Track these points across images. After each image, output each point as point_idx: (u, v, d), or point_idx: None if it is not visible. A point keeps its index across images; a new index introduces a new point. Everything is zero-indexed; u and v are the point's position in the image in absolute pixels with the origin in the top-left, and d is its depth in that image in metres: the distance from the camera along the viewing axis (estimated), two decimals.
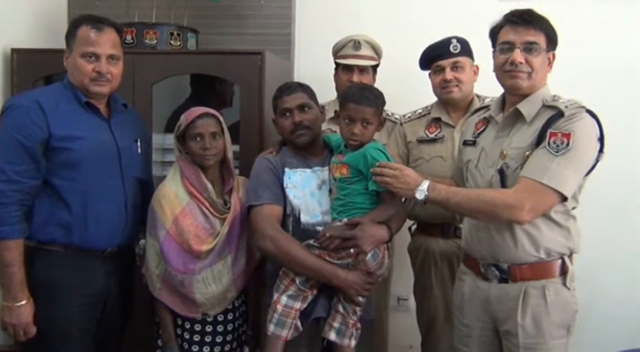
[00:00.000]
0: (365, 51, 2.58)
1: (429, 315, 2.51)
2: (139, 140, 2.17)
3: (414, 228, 2.62)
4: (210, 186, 2.07)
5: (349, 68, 2.56)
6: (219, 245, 2.04)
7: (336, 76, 2.64)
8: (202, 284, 2.03)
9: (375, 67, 2.63)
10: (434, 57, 2.44)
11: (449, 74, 2.40)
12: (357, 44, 2.58)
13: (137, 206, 2.14)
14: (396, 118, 2.68)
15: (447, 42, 2.41)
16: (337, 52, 2.63)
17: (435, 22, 2.98)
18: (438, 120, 2.50)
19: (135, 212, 2.12)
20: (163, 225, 2.03)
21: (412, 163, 2.50)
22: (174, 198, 2.05)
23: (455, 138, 2.40)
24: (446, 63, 2.40)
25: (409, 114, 2.62)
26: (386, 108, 2.56)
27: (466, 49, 2.43)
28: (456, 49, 2.39)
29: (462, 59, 2.41)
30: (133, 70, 2.48)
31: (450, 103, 2.45)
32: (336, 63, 2.64)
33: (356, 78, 2.54)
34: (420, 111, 2.60)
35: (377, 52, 2.62)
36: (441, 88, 2.43)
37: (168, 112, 2.79)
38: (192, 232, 2.02)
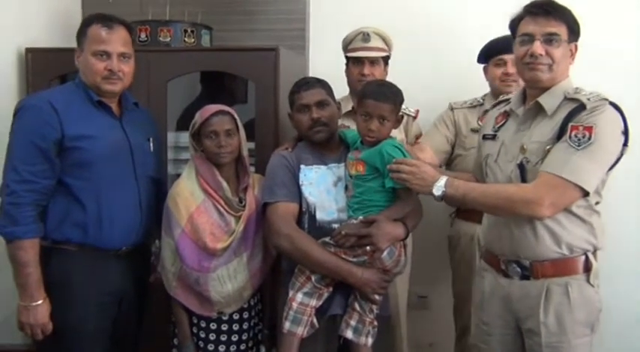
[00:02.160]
0: (374, 42, 2.55)
1: (469, 311, 2.43)
2: (151, 138, 2.18)
3: (453, 214, 2.60)
4: (225, 183, 2.07)
5: (359, 61, 2.54)
6: (234, 243, 2.05)
7: (347, 70, 2.62)
8: (218, 282, 2.03)
9: (386, 59, 2.60)
10: (498, 50, 2.50)
11: (511, 68, 2.43)
12: (365, 36, 2.55)
13: (151, 205, 2.15)
14: (411, 112, 2.66)
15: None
16: (347, 46, 2.61)
17: (455, 15, 2.96)
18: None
19: (149, 211, 2.13)
20: (178, 223, 2.03)
21: (463, 151, 2.57)
22: (190, 195, 2.06)
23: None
24: (509, 58, 2.45)
25: (460, 103, 2.69)
26: None
27: None
28: None
29: None
30: (147, 67, 2.49)
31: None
32: (346, 57, 2.62)
33: (367, 70, 2.52)
34: (471, 101, 2.67)
35: (387, 43, 2.60)
36: (501, 81, 2.51)
37: (180, 110, 2.80)
38: (207, 230, 2.03)
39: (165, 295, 2.11)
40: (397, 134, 2.52)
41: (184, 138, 2.23)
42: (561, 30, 1.82)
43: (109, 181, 2.02)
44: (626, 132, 1.80)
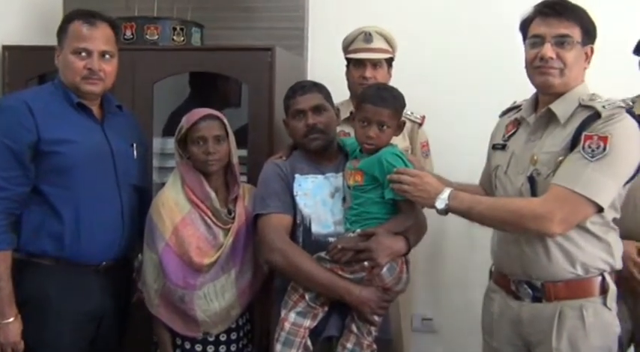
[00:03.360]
0: (377, 43, 2.59)
1: None
2: (134, 144, 2.20)
3: None
4: (213, 193, 2.09)
5: (361, 63, 2.57)
6: (222, 257, 2.06)
7: (347, 72, 2.65)
8: (204, 300, 2.05)
9: (389, 61, 2.63)
10: None
11: None
12: (367, 36, 2.58)
13: (134, 216, 2.17)
14: (417, 118, 2.68)
15: None
16: (347, 46, 2.64)
17: (461, 15, 2.99)
18: None
19: (132, 222, 2.15)
20: (162, 236, 2.05)
21: None
22: (174, 206, 2.08)
23: None
24: None
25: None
26: (407, 107, 2.60)
27: None
28: None
29: None
30: (132, 68, 2.53)
31: None
32: (346, 59, 2.65)
33: (369, 73, 2.54)
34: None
35: (390, 44, 2.63)
36: None
37: (167, 114, 2.83)
38: (193, 243, 2.05)
39: (147, 314, 2.12)
40: (402, 142, 2.55)
41: (171, 144, 2.26)
42: (574, 31, 1.84)
43: (88, 190, 2.03)
44: None
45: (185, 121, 2.11)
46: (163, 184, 2.21)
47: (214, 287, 2.06)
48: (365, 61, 2.57)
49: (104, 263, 2.09)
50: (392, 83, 2.51)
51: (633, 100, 2.24)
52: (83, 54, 2.04)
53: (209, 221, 2.08)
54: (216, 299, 2.06)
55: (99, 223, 2.06)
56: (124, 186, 2.13)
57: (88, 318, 2.08)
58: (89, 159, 2.04)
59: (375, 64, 2.57)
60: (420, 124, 2.71)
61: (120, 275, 2.18)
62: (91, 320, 2.09)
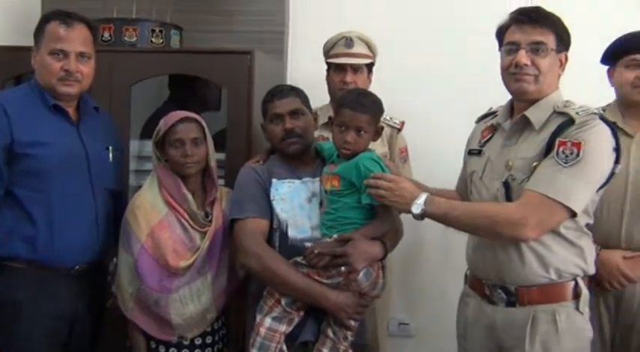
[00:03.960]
0: (358, 48, 2.63)
1: None
2: (111, 147, 2.22)
3: None
4: (190, 196, 2.12)
5: (342, 68, 2.62)
6: (198, 261, 2.08)
7: (328, 77, 2.70)
8: (179, 303, 2.07)
9: (370, 66, 2.68)
10: (631, 49, 2.31)
11: None
12: (348, 41, 2.63)
13: (109, 219, 2.19)
14: (396, 123, 2.73)
15: None
16: (328, 51, 2.69)
17: (440, 20, 3.04)
18: None
19: (107, 226, 2.17)
20: (138, 239, 2.07)
21: None
22: (151, 209, 2.10)
23: (631, 150, 2.24)
24: None
25: None
26: (385, 112, 2.63)
27: None
28: None
29: None
30: (110, 69, 2.55)
31: (635, 107, 2.32)
32: (327, 63, 2.69)
33: (349, 78, 2.59)
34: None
35: (371, 50, 2.68)
36: (633, 87, 2.29)
37: (145, 116, 2.84)
38: (169, 246, 2.07)
39: (122, 318, 2.14)
40: (380, 147, 2.60)
41: (149, 146, 2.28)
42: (548, 39, 1.90)
43: (62, 193, 2.05)
44: (617, 149, 1.88)
45: (163, 123, 2.13)
46: (140, 187, 2.23)
47: (190, 291, 2.08)
48: (346, 66, 2.61)
49: (77, 266, 2.11)
50: (372, 88, 2.57)
51: (604, 109, 2.32)
52: (60, 55, 2.06)
53: (186, 224, 2.10)
54: (191, 302, 2.08)
55: (72, 227, 2.07)
56: (99, 189, 2.15)
57: (60, 323, 2.09)
58: (64, 162, 2.05)
59: (355, 69, 2.62)
60: (399, 130, 2.75)
61: (94, 279, 2.19)
62: (64, 325, 2.11)
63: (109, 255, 2.24)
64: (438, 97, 3.00)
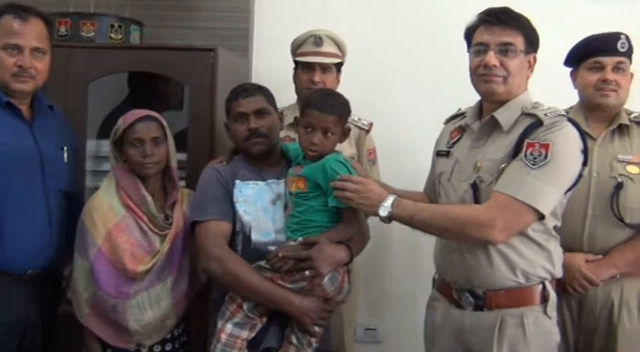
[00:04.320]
0: (327, 47, 2.64)
1: None
2: (65, 147, 2.20)
3: None
4: (149, 198, 2.11)
5: (310, 67, 2.63)
6: (158, 265, 2.08)
7: (295, 76, 2.70)
8: (137, 309, 2.06)
9: (338, 66, 2.69)
10: (594, 51, 2.35)
11: (610, 74, 2.31)
12: (318, 40, 2.64)
13: (63, 222, 2.16)
14: (364, 124, 2.75)
15: (614, 36, 2.34)
16: (296, 49, 2.69)
17: (410, 20, 3.07)
18: None
19: (61, 229, 2.15)
20: (94, 242, 2.05)
21: None
22: (108, 210, 2.09)
23: (594, 153, 2.27)
24: (609, 61, 2.32)
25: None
26: (353, 113, 2.64)
27: (631, 50, 2.37)
28: (623, 47, 2.33)
29: (626, 61, 2.36)
30: (66, 66, 2.52)
31: (598, 110, 2.36)
32: (295, 61, 2.70)
33: (318, 78, 2.60)
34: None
35: (340, 49, 2.69)
36: (596, 90, 2.33)
37: (102, 115, 2.80)
38: (127, 250, 2.06)
39: (77, 325, 2.11)
40: (348, 149, 2.62)
41: (106, 146, 2.26)
42: (517, 40, 1.94)
43: (13, 194, 2.02)
44: (585, 151, 1.92)
45: (122, 122, 2.12)
46: (97, 188, 2.21)
47: (149, 296, 2.07)
48: (314, 65, 2.62)
49: (29, 271, 2.08)
50: (340, 88, 2.58)
51: (567, 111, 2.34)
52: (14, 50, 2.04)
53: (145, 226, 2.09)
54: (150, 308, 2.07)
55: (24, 230, 2.05)
56: (53, 191, 2.13)
57: (9, 330, 2.06)
58: (15, 163, 2.03)
59: (324, 68, 2.63)
60: (367, 131, 2.77)
61: (47, 284, 2.17)
62: (14, 332, 2.07)
63: (65, 259, 2.21)
64: (407, 98, 3.03)
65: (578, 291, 2.26)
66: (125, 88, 2.95)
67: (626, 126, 2.34)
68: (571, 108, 2.41)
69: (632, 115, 2.37)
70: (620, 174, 2.26)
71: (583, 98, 2.40)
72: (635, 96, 2.39)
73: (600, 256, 2.27)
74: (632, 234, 2.26)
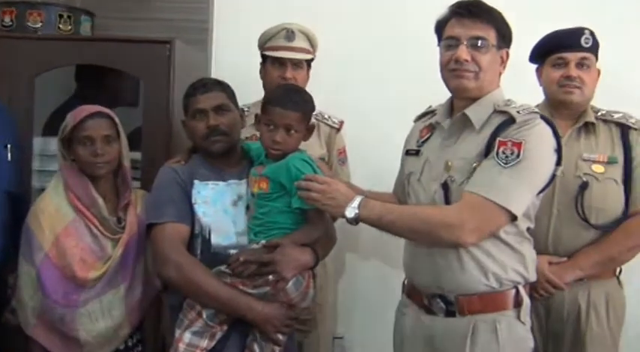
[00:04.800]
0: (299, 42, 2.65)
1: None
2: (9, 145, 2.18)
3: None
4: (100, 200, 2.10)
5: (281, 62, 2.62)
6: (110, 271, 2.06)
7: (263, 71, 2.69)
8: (88, 318, 2.05)
9: (309, 62, 2.70)
10: (557, 47, 2.39)
11: (574, 71, 2.34)
12: (290, 34, 2.63)
13: (7, 226, 2.14)
14: (334, 123, 2.76)
15: (578, 32, 2.38)
16: (265, 42, 2.68)
17: (379, 13, 3.08)
18: None
19: (5, 233, 2.13)
20: (41, 247, 2.03)
21: None
22: (56, 213, 2.07)
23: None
24: (572, 56, 2.36)
25: None
26: (323, 110, 2.64)
27: (596, 46, 2.40)
28: (587, 43, 2.36)
29: (591, 57, 2.38)
30: (11, 58, 2.51)
31: (563, 107, 2.39)
32: (263, 56, 2.69)
33: (289, 74, 2.60)
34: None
35: (312, 44, 2.70)
36: (559, 86, 2.36)
37: (50, 111, 2.77)
38: (76, 255, 2.04)
39: (22, 335, 2.09)
40: (319, 148, 2.65)
41: (54, 144, 2.23)
42: (489, 34, 1.96)
43: None
44: (558, 150, 1.95)
45: (71, 118, 2.10)
46: (44, 189, 2.19)
47: (100, 304, 2.06)
48: (286, 61, 2.62)
49: None
50: (309, 85, 2.59)
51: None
52: None
53: (95, 230, 2.08)
54: (102, 317, 2.06)
55: None
56: None
57: None
58: None
59: (295, 64, 2.63)
60: (338, 129, 2.79)
61: None
62: None
63: (9, 266, 2.18)
64: (374, 95, 3.05)
65: (542, 295, 2.30)
66: (73, 83, 2.91)
67: (592, 124, 2.39)
68: (537, 106, 2.44)
69: (599, 113, 2.42)
70: (585, 174, 2.31)
71: (548, 95, 2.45)
72: (601, 94, 2.44)
73: (565, 258, 2.31)
74: (598, 235, 2.31)
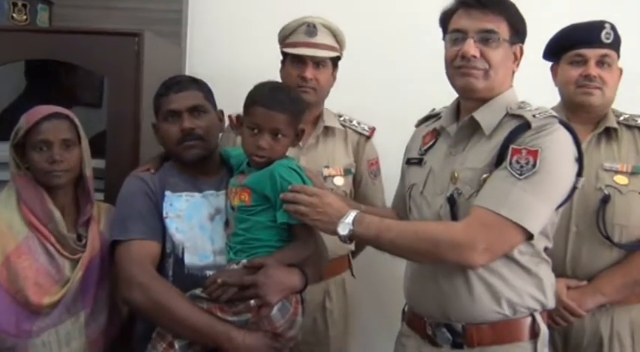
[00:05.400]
0: (323, 38, 2.62)
1: None
2: None
3: None
4: (58, 213, 2.08)
5: (301, 60, 2.60)
6: (68, 296, 2.04)
7: (282, 70, 2.68)
8: (43, 349, 2.02)
9: (335, 60, 2.67)
10: (575, 42, 2.38)
11: (593, 69, 2.33)
12: (311, 28, 2.62)
13: None
14: (364, 129, 2.75)
15: (597, 26, 2.37)
16: (285, 38, 2.67)
17: (416, 11, 3.04)
18: None
19: None
20: None
21: None
22: (7, 230, 2.05)
23: None
24: (591, 53, 2.34)
25: None
26: (347, 115, 2.68)
27: (618, 42, 2.39)
28: (608, 38, 2.35)
29: (612, 54, 2.37)
30: None
31: (581, 110, 2.38)
32: (283, 53, 2.68)
33: (309, 73, 2.58)
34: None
35: (338, 40, 2.68)
36: (577, 87, 2.35)
37: None
38: (30, 278, 2.02)
39: None
40: (345, 158, 2.68)
41: (4, 151, 2.19)
42: (500, 27, 1.94)
43: None
44: (579, 159, 1.92)
45: (24, 121, 2.08)
46: None
47: (57, 334, 2.04)
48: (306, 59, 2.60)
49: None
50: (334, 88, 2.61)
51: None
52: None
53: (52, 249, 2.06)
54: (58, 349, 2.05)
55: None
56: None
57: None
58: None
59: (317, 62, 2.61)
60: (368, 137, 2.77)
61: None
62: None
63: None
64: (366, 95, 3.04)
65: (559, 324, 2.27)
66: (22, 80, 2.89)
67: (614, 129, 2.37)
68: (552, 108, 2.42)
69: (622, 117, 2.41)
70: (606, 186, 2.30)
71: (564, 96, 2.43)
72: (623, 96, 2.43)
73: (584, 282, 2.29)
74: (622, 255, 2.29)
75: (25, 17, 2.73)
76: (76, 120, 2.12)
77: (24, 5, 2.72)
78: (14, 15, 2.71)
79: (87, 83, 2.89)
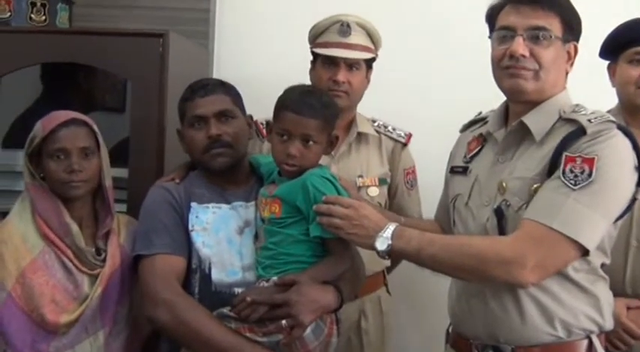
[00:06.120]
0: (357, 37, 2.61)
1: None
2: None
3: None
4: (75, 227, 2.09)
5: (333, 62, 2.60)
6: (87, 314, 2.05)
7: (312, 71, 2.68)
8: None
9: (369, 62, 2.67)
10: (635, 39, 2.37)
11: None
12: (345, 27, 2.61)
13: None
14: (400, 136, 2.74)
15: None
16: (316, 37, 2.67)
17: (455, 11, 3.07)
18: None
19: None
20: (3, 285, 2.02)
21: None
22: (22, 244, 2.06)
23: None
24: None
25: None
26: (382, 121, 2.68)
27: None
28: None
29: None
30: None
31: None
32: (313, 53, 2.67)
33: (341, 76, 2.57)
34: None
35: (373, 40, 2.67)
36: (638, 87, 2.36)
37: (10, 119, 2.80)
38: (46, 295, 2.03)
39: None
40: (379, 167, 2.66)
41: (18, 159, 2.24)
42: (552, 24, 1.93)
43: None
44: (639, 168, 1.90)
45: (40, 128, 2.09)
46: (6, 213, 2.18)
47: None
48: (338, 60, 2.59)
49: None
50: (369, 92, 2.60)
51: None
52: None
53: (69, 264, 2.07)
54: None
55: None
56: None
57: None
58: None
59: (351, 64, 2.60)
60: (405, 144, 2.76)
61: None
62: None
63: None
64: (407, 98, 3.04)
65: (618, 347, 2.25)
66: (38, 84, 2.93)
67: None
68: (609, 111, 2.38)
69: None
70: None
71: (622, 98, 2.41)
72: None
73: None
74: None
75: (44, 18, 2.77)
76: (95, 127, 2.13)
77: (43, 5, 2.77)
78: (32, 16, 2.75)
79: (108, 87, 2.93)
